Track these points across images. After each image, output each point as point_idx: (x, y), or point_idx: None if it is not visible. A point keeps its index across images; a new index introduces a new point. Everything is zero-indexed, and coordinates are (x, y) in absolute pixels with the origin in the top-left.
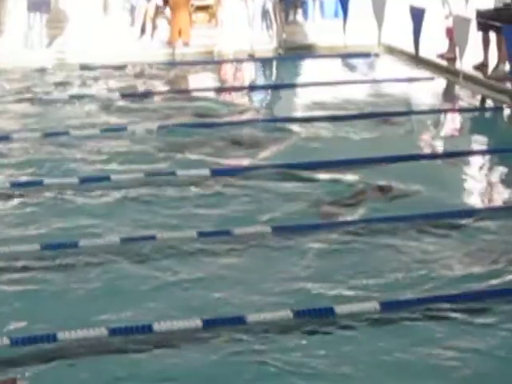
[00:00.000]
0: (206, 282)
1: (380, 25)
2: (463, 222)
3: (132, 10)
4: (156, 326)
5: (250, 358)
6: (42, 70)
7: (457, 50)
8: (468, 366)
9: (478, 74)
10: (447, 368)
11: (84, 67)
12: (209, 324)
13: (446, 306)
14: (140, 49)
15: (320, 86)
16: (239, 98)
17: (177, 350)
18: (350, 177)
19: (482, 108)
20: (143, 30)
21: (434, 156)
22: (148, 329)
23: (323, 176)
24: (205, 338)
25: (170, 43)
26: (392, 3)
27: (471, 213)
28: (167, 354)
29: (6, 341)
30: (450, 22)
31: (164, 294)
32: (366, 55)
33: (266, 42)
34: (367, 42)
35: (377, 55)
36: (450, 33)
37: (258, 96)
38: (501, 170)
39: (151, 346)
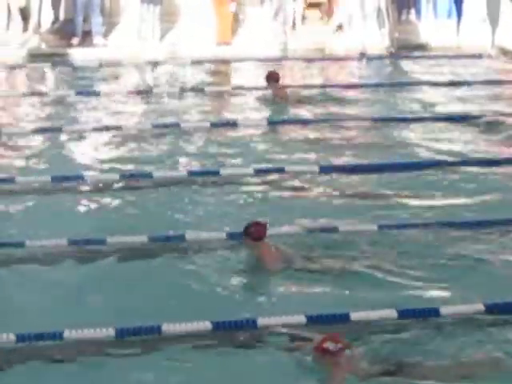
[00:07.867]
0: None
1: (494, 25)
2: None
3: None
4: None
5: None
6: (154, 63)
7: None
8: None
9: None
10: None
11: (195, 62)
12: None
13: None
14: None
15: (430, 86)
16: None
17: None
18: None
19: None
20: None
21: None
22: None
23: None
24: None
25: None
26: (507, 4)
27: None
28: None
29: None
30: None
31: None
32: (478, 56)
33: (378, 41)
34: (480, 43)
35: (490, 56)
36: None
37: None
38: None
39: None
